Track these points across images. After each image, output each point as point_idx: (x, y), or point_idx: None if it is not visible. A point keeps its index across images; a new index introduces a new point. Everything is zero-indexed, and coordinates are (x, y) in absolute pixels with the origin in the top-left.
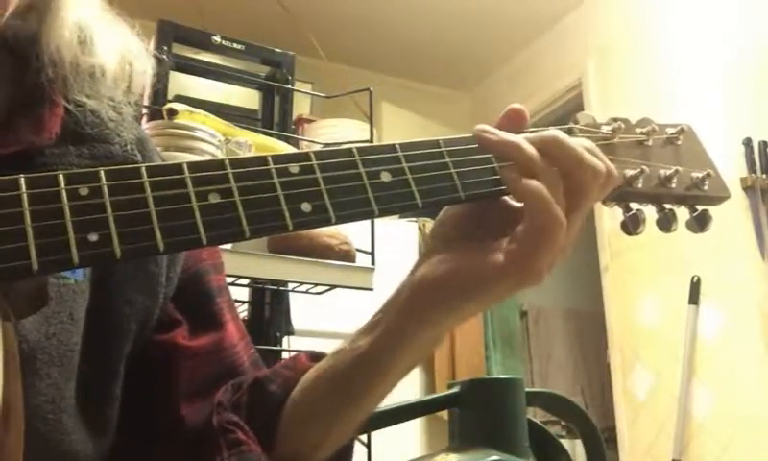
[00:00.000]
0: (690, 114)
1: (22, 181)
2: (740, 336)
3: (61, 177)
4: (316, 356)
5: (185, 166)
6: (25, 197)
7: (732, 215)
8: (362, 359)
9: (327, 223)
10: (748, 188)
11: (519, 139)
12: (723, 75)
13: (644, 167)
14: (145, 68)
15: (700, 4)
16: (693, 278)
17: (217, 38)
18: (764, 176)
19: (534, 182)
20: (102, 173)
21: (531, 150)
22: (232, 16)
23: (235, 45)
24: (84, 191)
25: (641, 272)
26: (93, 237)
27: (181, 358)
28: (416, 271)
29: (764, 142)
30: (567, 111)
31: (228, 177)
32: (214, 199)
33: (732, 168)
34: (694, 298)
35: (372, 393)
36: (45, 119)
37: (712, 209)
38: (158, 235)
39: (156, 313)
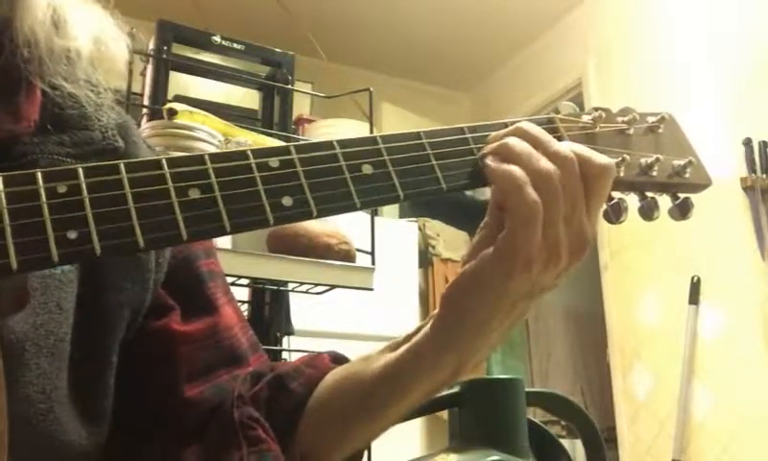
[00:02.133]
0: (690, 114)
1: (0, 180)
2: (740, 336)
3: (39, 175)
4: (338, 359)
5: (164, 162)
6: (3, 195)
7: (732, 215)
8: (387, 372)
9: (309, 216)
10: (748, 188)
11: (504, 138)
12: (723, 75)
13: (625, 156)
14: (122, 50)
15: (700, 4)
16: (693, 278)
17: (217, 38)
18: (764, 176)
19: (505, 166)
20: (80, 170)
21: (511, 139)
22: (232, 16)
23: (235, 45)
24: (62, 189)
25: (641, 272)
26: (72, 235)
27: (178, 344)
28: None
29: (764, 142)
30: None
31: (208, 172)
32: (194, 194)
33: (732, 168)
34: (694, 298)
35: (393, 407)
36: (23, 106)
37: (710, 207)
38: (138, 232)
39: (147, 299)
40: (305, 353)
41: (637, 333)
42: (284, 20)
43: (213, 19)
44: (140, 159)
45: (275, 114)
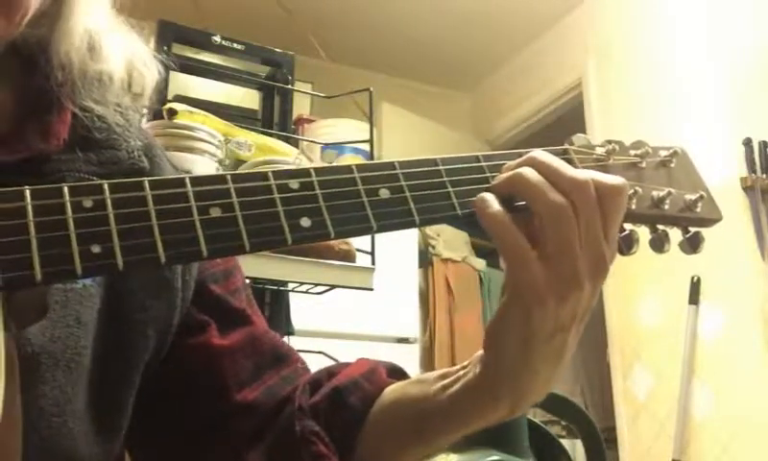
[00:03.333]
0: (690, 114)
1: (27, 193)
2: (740, 336)
3: (66, 189)
4: (395, 372)
5: (187, 180)
6: (30, 208)
7: (732, 215)
8: (443, 406)
9: (326, 238)
10: (748, 188)
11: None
12: (723, 75)
13: (638, 188)
14: (152, 75)
15: (700, 4)
16: (693, 278)
17: (217, 38)
18: (764, 176)
19: (492, 216)
20: (106, 186)
21: (524, 169)
22: (232, 16)
23: (235, 45)
24: (87, 203)
25: (641, 272)
26: (96, 249)
27: (220, 357)
28: None
29: (764, 142)
30: (567, 111)
31: (230, 191)
32: (215, 213)
33: (732, 168)
34: (694, 298)
35: (446, 437)
36: (53, 125)
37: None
38: (160, 248)
39: (174, 318)
40: (305, 354)
41: (637, 333)
42: (284, 20)
43: (213, 19)
44: (164, 177)
45: (275, 114)
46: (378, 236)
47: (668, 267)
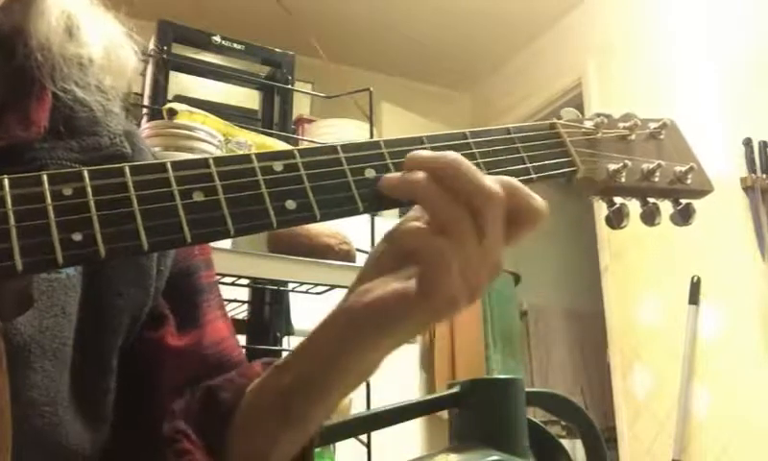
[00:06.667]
0: (690, 114)
1: (6, 182)
2: (740, 336)
3: (45, 177)
4: (270, 364)
5: (169, 165)
6: (9, 197)
7: (732, 215)
8: (300, 382)
9: (312, 220)
10: (748, 188)
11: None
12: (723, 75)
13: (627, 161)
14: (131, 58)
15: (700, 4)
16: (693, 278)
17: (217, 38)
18: (764, 176)
19: (413, 225)
20: (85, 173)
21: (422, 182)
22: (232, 16)
23: (235, 45)
24: (67, 191)
25: (641, 272)
26: (77, 237)
27: (167, 357)
28: (348, 297)
29: (764, 142)
30: None
31: (212, 175)
32: (198, 197)
33: (732, 168)
34: (694, 298)
35: (311, 416)
36: (33, 112)
37: (710, 207)
38: (142, 235)
39: (147, 306)
40: None
41: (637, 333)
42: (284, 20)
43: (213, 19)
44: (145, 163)
45: (275, 114)
46: (378, 234)
47: (668, 267)
